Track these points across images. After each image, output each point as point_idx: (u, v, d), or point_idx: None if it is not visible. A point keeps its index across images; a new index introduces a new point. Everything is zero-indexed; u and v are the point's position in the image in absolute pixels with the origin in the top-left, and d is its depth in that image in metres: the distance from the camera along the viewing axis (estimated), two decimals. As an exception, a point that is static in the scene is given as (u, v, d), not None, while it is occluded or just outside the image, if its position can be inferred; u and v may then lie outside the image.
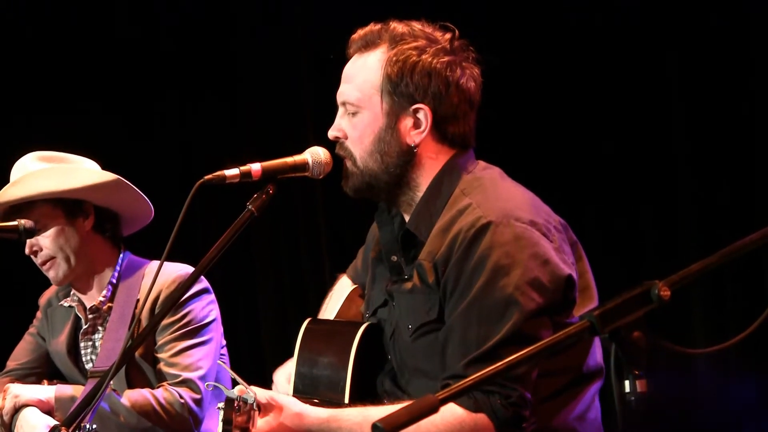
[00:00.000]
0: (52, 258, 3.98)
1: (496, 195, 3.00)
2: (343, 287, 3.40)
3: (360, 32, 3.08)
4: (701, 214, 5.05)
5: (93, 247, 4.04)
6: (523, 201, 3.01)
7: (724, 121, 4.98)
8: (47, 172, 3.94)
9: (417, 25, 3.06)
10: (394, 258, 3.12)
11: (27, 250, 3.98)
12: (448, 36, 3.05)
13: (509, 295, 2.84)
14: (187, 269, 3.96)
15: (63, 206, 3.97)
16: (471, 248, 2.89)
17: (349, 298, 3.33)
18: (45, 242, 3.97)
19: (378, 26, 3.07)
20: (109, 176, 3.96)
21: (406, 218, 3.10)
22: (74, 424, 2.87)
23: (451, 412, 2.82)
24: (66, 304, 4.12)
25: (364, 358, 3.05)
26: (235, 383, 2.86)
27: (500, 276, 2.86)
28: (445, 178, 3.05)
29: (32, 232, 3.67)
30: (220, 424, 2.75)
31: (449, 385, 2.83)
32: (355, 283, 3.39)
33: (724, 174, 5.00)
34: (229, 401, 2.75)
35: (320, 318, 3.34)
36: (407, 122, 3.03)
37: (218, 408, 2.77)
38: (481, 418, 2.82)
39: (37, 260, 4.00)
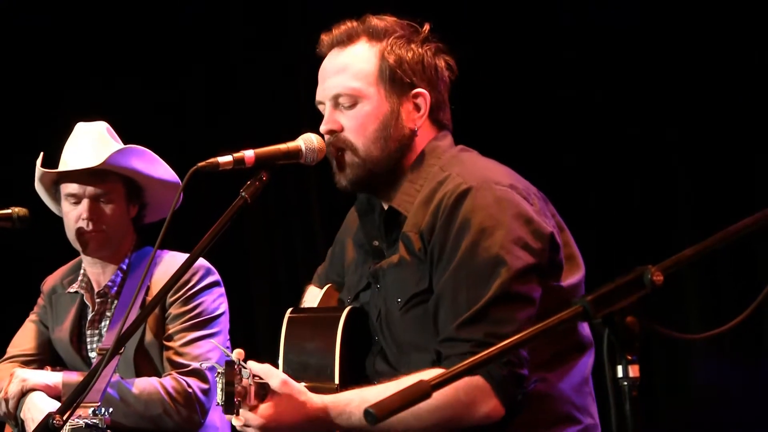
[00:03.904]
0: (101, 230, 4.00)
1: (474, 165, 3.08)
2: (313, 294, 3.41)
3: (336, 29, 3.14)
4: (696, 199, 5.06)
5: (127, 233, 4.10)
6: (502, 170, 3.08)
7: (721, 108, 4.99)
8: (140, 152, 4.00)
9: (391, 19, 3.15)
10: (376, 243, 3.15)
11: (87, 214, 3.98)
12: (427, 27, 3.14)
13: (495, 255, 2.88)
14: (200, 260, 4.00)
15: (129, 188, 4.05)
16: (453, 213, 2.94)
17: (327, 295, 3.33)
18: (106, 213, 4.00)
19: (355, 22, 3.13)
20: (176, 178, 4.04)
21: (385, 206, 3.14)
22: (70, 410, 2.86)
23: (434, 377, 2.84)
24: (72, 290, 4.14)
25: (351, 341, 3.06)
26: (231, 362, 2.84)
27: (484, 237, 2.90)
28: (425, 157, 3.10)
29: (26, 220, 3.70)
30: (221, 386, 2.74)
31: (441, 353, 2.87)
32: (327, 284, 3.39)
33: (720, 158, 5.00)
34: (229, 363, 2.75)
35: (302, 307, 3.34)
36: (408, 107, 3.09)
37: (218, 373, 2.76)
38: (476, 380, 2.83)
39: (86, 226, 3.99)
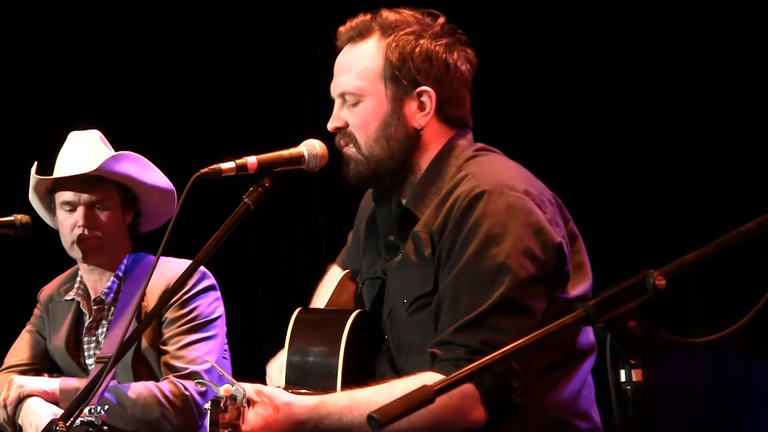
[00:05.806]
0: (96, 237, 4.02)
1: (491, 167, 3.02)
2: (333, 276, 3.38)
3: (351, 23, 3.10)
4: (699, 203, 5.06)
5: (123, 240, 4.11)
6: (519, 173, 3.03)
7: (723, 111, 4.98)
8: (134, 158, 4.01)
9: (407, 12, 3.09)
10: (391, 238, 3.13)
11: (82, 221, 4.00)
12: (441, 20, 3.08)
13: (501, 263, 2.85)
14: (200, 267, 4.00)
15: (124, 195, 4.07)
16: (465, 216, 2.91)
17: (341, 285, 3.31)
18: (102, 221, 4.02)
19: (368, 15, 3.09)
20: (170, 185, 4.06)
21: (403, 201, 3.10)
22: (72, 417, 2.87)
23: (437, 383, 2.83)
24: (69, 298, 4.15)
25: (357, 345, 3.04)
26: (222, 381, 2.85)
27: (492, 244, 2.87)
28: (443, 157, 3.06)
29: (28, 228, 3.72)
30: (208, 425, 2.73)
31: (436, 355, 2.85)
32: (346, 269, 3.37)
33: (722, 162, 5.00)
34: (215, 402, 2.73)
35: (311, 307, 3.32)
36: (412, 106, 3.05)
37: (205, 408, 2.75)
38: (468, 387, 2.80)
39: (82, 233, 4.01)
